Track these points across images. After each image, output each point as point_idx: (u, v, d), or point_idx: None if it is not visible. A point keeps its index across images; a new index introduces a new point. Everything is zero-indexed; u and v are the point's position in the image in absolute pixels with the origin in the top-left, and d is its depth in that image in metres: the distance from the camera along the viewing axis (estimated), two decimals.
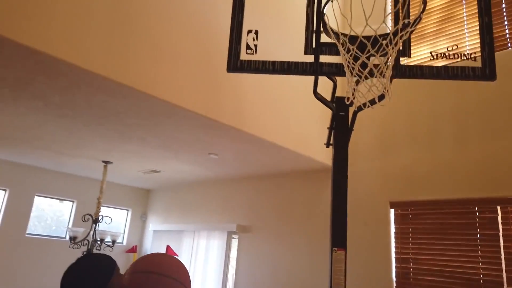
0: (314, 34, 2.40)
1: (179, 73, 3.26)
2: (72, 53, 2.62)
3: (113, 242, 5.39)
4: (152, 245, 7.26)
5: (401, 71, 2.32)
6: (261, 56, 2.45)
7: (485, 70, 2.22)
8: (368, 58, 2.13)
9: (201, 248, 6.28)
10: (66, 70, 2.74)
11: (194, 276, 6.17)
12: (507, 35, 3.90)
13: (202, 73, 3.43)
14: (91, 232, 5.23)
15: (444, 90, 4.13)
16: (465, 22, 4.19)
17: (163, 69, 3.15)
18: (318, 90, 2.40)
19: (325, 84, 2.71)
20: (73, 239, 5.10)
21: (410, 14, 2.29)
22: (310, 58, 2.39)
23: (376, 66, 2.16)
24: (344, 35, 2.15)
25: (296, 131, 4.27)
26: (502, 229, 3.52)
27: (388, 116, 4.50)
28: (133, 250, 7.29)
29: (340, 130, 2.46)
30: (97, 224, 5.25)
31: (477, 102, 3.90)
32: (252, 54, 2.42)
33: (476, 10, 2.30)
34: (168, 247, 6.65)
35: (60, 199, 6.72)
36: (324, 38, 2.38)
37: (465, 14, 4.22)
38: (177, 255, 6.57)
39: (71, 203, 6.81)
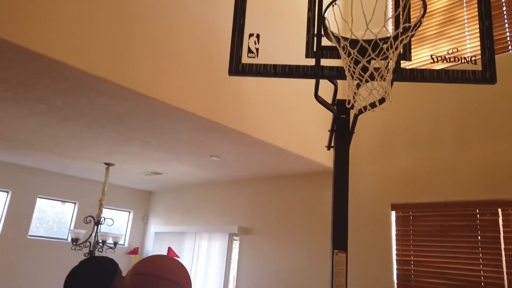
0: (315, 38, 2.42)
1: (180, 75, 3.28)
2: (75, 56, 2.64)
3: (115, 244, 5.41)
4: (154, 247, 7.27)
5: (401, 75, 2.33)
6: (263, 60, 2.47)
7: (486, 74, 2.24)
8: (368, 61, 2.14)
9: (203, 250, 6.29)
10: (68, 74, 2.76)
11: (196, 278, 6.18)
12: (508, 38, 3.90)
13: (204, 76, 3.44)
14: (93, 234, 5.24)
15: (445, 93, 4.14)
16: (466, 25, 4.20)
17: (164, 72, 3.17)
18: (319, 93, 2.41)
19: (326, 87, 2.73)
20: (75, 241, 5.12)
21: (411, 18, 2.30)
22: (311, 62, 2.41)
23: (376, 69, 2.18)
24: (345, 39, 2.17)
25: (297, 134, 4.29)
26: (503, 231, 3.52)
27: (389, 118, 4.51)
28: (134, 251, 7.30)
29: (341, 133, 2.47)
30: (99, 226, 5.27)
31: (478, 104, 3.91)
32: (253, 57, 2.43)
33: (477, 13, 2.31)
34: (169, 248, 6.67)
35: (62, 201, 6.74)
36: (325, 41, 2.39)
37: (465, 17, 4.23)
38: (179, 257, 6.58)
39: (73, 205, 6.83)
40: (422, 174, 4.10)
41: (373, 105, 2.24)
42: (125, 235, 7.46)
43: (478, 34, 2.32)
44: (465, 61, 2.28)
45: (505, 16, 3.95)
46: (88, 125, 3.89)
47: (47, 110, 3.55)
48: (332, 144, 2.54)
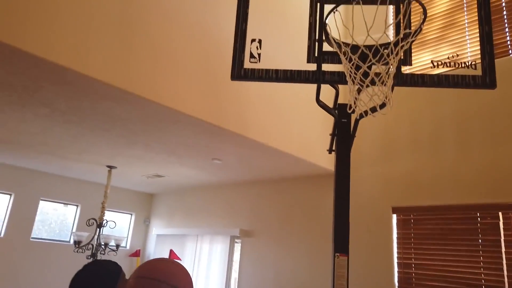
0: (316, 43, 2.44)
1: (183, 79, 3.30)
2: (78, 61, 2.67)
3: (117, 246, 5.43)
4: (155, 249, 7.29)
5: (402, 80, 2.35)
6: (265, 65, 2.49)
7: (486, 79, 2.26)
8: (369, 67, 2.17)
9: (204, 252, 6.30)
10: (71, 78, 2.79)
11: (197, 280, 6.20)
12: (508, 42, 3.92)
13: (206, 80, 3.47)
14: (95, 237, 5.26)
15: (446, 97, 4.16)
16: (467, 29, 4.22)
17: (167, 76, 3.20)
18: (321, 97, 2.44)
19: (327, 91, 2.75)
20: (77, 243, 5.14)
21: (411, 24, 2.33)
22: (313, 67, 2.43)
23: (377, 74, 2.20)
24: (346, 44, 2.19)
25: (299, 137, 4.31)
26: (504, 234, 3.53)
27: (390, 122, 4.52)
28: (136, 254, 7.32)
29: (343, 137, 2.50)
30: (101, 228, 5.29)
31: (479, 108, 3.92)
32: (255, 62, 2.46)
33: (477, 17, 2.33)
34: (171, 251, 6.68)
35: (64, 203, 6.77)
36: (326, 47, 2.42)
37: (466, 21, 4.25)
38: (180, 259, 6.60)
39: (76, 207, 6.86)
40: (423, 177, 4.12)
41: (374, 110, 2.26)
42: (127, 237, 7.48)
43: (479, 39, 2.34)
44: (465, 66, 2.30)
45: (506, 20, 3.97)
46: (91, 128, 3.92)
47: (50, 113, 3.58)
48: (334, 148, 2.56)
